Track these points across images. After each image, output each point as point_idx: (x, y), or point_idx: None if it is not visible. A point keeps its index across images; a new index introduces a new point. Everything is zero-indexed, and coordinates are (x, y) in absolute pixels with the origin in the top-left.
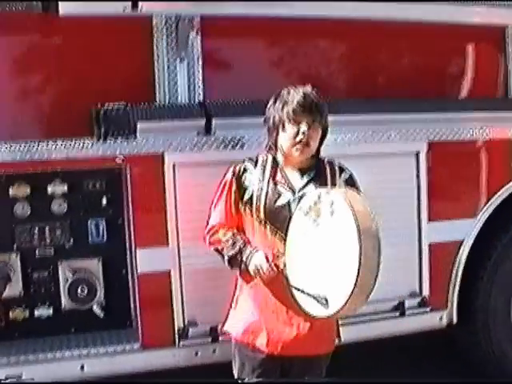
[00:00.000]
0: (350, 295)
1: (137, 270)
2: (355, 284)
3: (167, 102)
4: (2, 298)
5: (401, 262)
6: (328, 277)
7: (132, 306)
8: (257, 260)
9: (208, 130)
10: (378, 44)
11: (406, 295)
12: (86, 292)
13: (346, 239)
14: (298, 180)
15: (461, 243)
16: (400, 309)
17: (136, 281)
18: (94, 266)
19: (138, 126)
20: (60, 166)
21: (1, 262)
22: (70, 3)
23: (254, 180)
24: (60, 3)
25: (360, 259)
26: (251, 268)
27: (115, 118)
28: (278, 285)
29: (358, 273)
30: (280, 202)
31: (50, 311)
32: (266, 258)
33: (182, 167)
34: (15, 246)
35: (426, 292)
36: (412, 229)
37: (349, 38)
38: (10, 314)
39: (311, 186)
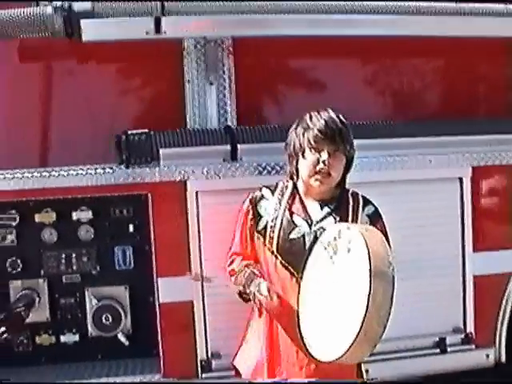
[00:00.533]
0: (354, 341)
1: (158, 300)
2: (359, 330)
3: (197, 127)
4: (26, 322)
5: (443, 294)
6: (337, 318)
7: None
8: (260, 288)
9: (234, 156)
10: (424, 61)
11: (448, 331)
12: (110, 319)
13: (358, 280)
14: (316, 211)
15: (509, 276)
16: (441, 345)
17: (158, 310)
18: (121, 293)
19: (161, 152)
20: (86, 192)
21: (28, 287)
22: (93, 30)
23: (270, 209)
24: (83, 30)
25: (368, 303)
26: (252, 297)
27: (138, 144)
28: (288, 323)
29: (364, 318)
30: (295, 235)
31: (77, 337)
32: (268, 290)
33: (205, 194)
34: (42, 271)
35: (470, 328)
36: (456, 259)
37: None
38: (37, 339)
39: (330, 219)
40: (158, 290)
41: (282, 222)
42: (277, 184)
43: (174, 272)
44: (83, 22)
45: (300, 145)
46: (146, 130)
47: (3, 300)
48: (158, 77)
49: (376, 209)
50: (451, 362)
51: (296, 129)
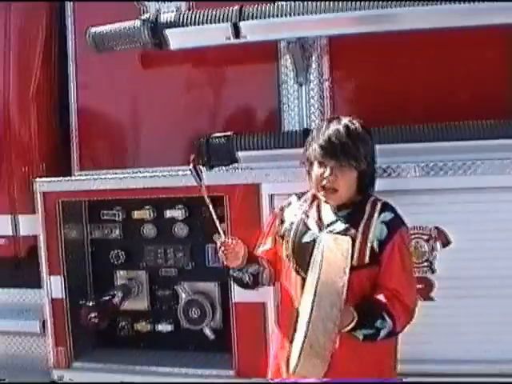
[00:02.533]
0: (300, 353)
1: (233, 299)
2: (303, 341)
3: (292, 129)
4: (128, 310)
5: None
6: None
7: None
8: None
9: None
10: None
11: None
12: (198, 313)
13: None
14: (330, 216)
15: None
16: None
17: (232, 309)
18: (212, 289)
19: (238, 155)
20: (179, 192)
21: (131, 278)
22: (177, 39)
23: (291, 213)
24: (169, 39)
25: (311, 313)
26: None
27: (217, 147)
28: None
29: (308, 328)
30: (307, 238)
31: (170, 327)
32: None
33: (279, 198)
34: (143, 264)
35: None
36: None
37: None
38: (137, 325)
39: (339, 224)
40: (232, 290)
41: (297, 226)
42: (307, 191)
43: None
44: (168, 32)
45: (307, 156)
46: (229, 133)
47: (108, 288)
48: (252, 80)
49: (396, 216)
50: None
51: (312, 134)
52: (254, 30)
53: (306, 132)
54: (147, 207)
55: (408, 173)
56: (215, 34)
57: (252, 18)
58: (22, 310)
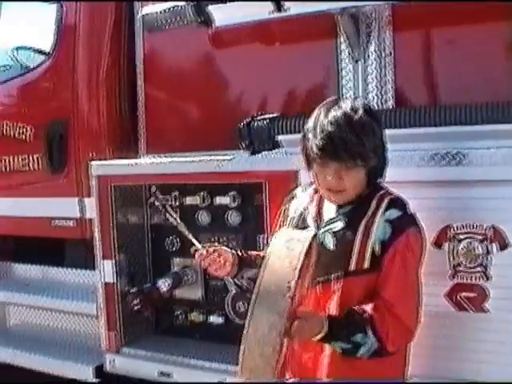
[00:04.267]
0: (240, 372)
1: None
2: (240, 365)
3: None
4: (171, 297)
5: None
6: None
7: None
8: None
9: None
10: None
11: None
12: (243, 308)
13: None
14: (331, 212)
15: None
16: None
17: None
18: None
19: (278, 139)
20: (231, 178)
21: (186, 266)
22: (220, 15)
23: (293, 208)
24: (215, 16)
25: (246, 336)
26: None
27: (257, 130)
28: None
29: (243, 352)
30: None
31: (221, 320)
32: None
33: None
34: None
35: None
36: None
37: None
38: (191, 315)
39: (338, 223)
40: None
41: (296, 222)
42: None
43: None
44: (211, 9)
45: (305, 155)
46: (274, 115)
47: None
48: (310, 57)
49: (404, 215)
50: None
51: (306, 127)
52: (296, 2)
53: None
54: (200, 193)
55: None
56: (257, 9)
57: None
58: (84, 291)
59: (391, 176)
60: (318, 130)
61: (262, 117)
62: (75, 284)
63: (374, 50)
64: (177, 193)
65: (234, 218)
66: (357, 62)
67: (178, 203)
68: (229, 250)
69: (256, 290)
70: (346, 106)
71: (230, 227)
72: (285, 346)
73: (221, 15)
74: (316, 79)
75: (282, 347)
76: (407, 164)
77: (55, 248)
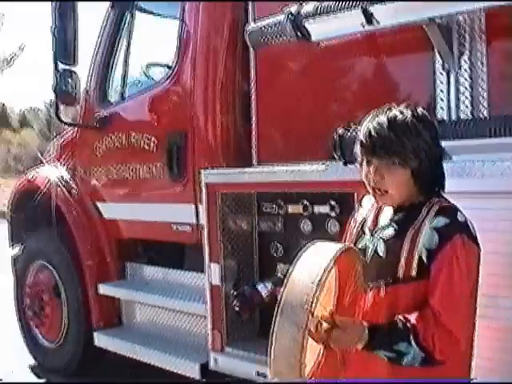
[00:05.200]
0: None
1: None
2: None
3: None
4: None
5: None
6: None
7: None
8: None
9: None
10: None
11: None
12: None
13: None
14: (385, 219)
15: None
16: None
17: None
18: None
19: None
20: (329, 187)
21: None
22: (316, 30)
23: (359, 216)
24: (311, 31)
25: (271, 344)
26: None
27: (348, 141)
28: None
29: (270, 360)
30: (360, 244)
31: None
32: None
33: None
34: None
35: None
36: None
37: None
38: None
39: (389, 230)
40: None
41: (357, 229)
42: None
43: None
44: (307, 24)
45: (356, 154)
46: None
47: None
48: (407, 68)
49: (452, 222)
50: None
51: (359, 129)
52: (385, 14)
53: (453, 124)
54: (302, 202)
55: None
56: (350, 22)
57: (383, 1)
58: (197, 293)
59: (479, 186)
60: (363, 130)
61: (354, 127)
62: (190, 286)
63: (467, 60)
64: (281, 201)
65: (333, 226)
66: (449, 72)
67: (282, 211)
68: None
69: (279, 301)
70: (396, 109)
71: (330, 236)
72: (317, 353)
73: (317, 29)
74: (412, 90)
75: (303, 356)
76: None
77: (175, 251)
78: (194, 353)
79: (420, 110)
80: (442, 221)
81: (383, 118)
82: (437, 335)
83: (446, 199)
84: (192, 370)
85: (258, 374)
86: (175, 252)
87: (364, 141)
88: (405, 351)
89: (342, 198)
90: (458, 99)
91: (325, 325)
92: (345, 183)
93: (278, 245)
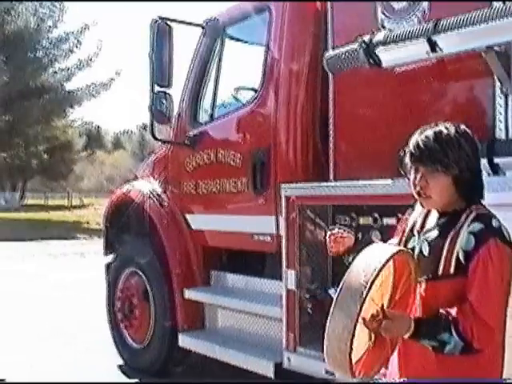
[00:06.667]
0: (328, 363)
1: None
2: (325, 354)
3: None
4: None
5: None
6: None
7: None
8: None
9: (494, 169)
10: None
11: None
12: None
13: None
14: (431, 223)
15: None
16: None
17: None
18: None
19: None
20: (397, 201)
21: None
22: (385, 57)
23: (411, 219)
24: (382, 58)
25: (328, 330)
26: None
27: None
28: None
29: (325, 343)
30: (409, 244)
31: None
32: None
33: None
34: None
35: None
36: None
37: None
38: None
39: (433, 232)
40: None
41: (407, 231)
42: None
43: None
44: (377, 51)
45: (405, 164)
46: None
47: None
48: (467, 90)
49: (486, 228)
50: None
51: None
52: (447, 43)
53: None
54: (372, 214)
55: None
56: (416, 50)
57: (445, 31)
58: (274, 298)
59: None
60: (413, 142)
61: None
62: (269, 292)
63: None
64: (353, 213)
65: None
66: (507, 95)
67: (354, 223)
68: (352, 237)
69: (337, 294)
70: (442, 125)
71: None
72: (367, 343)
73: (387, 57)
74: (474, 112)
75: (352, 343)
76: None
77: (256, 260)
78: (269, 353)
79: (463, 127)
80: (478, 226)
81: (430, 132)
82: (475, 326)
83: (484, 207)
84: (266, 369)
85: (327, 371)
86: (256, 261)
87: (413, 151)
88: (447, 340)
89: (406, 211)
90: None
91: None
92: (409, 196)
93: (351, 253)
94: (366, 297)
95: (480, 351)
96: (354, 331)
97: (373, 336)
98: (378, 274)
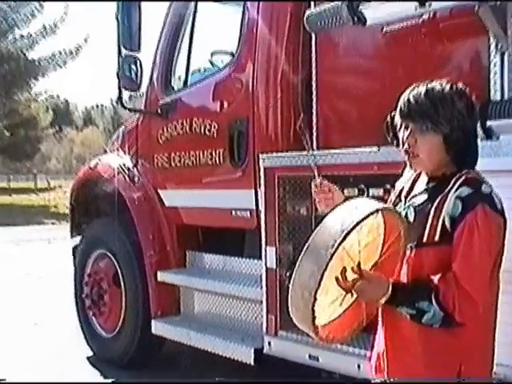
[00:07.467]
0: (291, 315)
1: None
2: (289, 305)
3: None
4: None
5: None
6: None
7: None
8: None
9: (487, 133)
10: None
11: None
12: None
13: None
14: (419, 187)
15: None
16: None
17: None
18: None
19: None
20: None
21: None
22: (370, 14)
23: (397, 185)
24: (367, 15)
25: (294, 277)
26: None
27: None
28: None
29: (289, 291)
30: (398, 209)
31: None
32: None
33: None
34: None
35: None
36: None
37: None
38: None
39: (420, 197)
40: None
41: (395, 197)
42: None
43: None
44: (362, 8)
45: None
46: None
47: None
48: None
49: (475, 192)
50: None
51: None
52: None
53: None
54: (358, 185)
55: None
56: (403, 5)
57: None
58: (253, 279)
59: None
60: (403, 98)
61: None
62: (249, 273)
63: None
64: (338, 185)
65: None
66: (503, 53)
67: None
68: (341, 194)
69: (308, 242)
70: (436, 82)
71: None
72: (339, 309)
73: (372, 14)
74: (467, 72)
75: (316, 293)
76: None
77: (235, 239)
78: (249, 338)
79: (460, 85)
80: (466, 191)
81: (422, 88)
82: (457, 297)
83: (476, 172)
84: (246, 355)
85: (311, 356)
86: (235, 240)
87: (402, 106)
88: (426, 309)
89: (395, 182)
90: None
91: (351, 275)
92: (397, 165)
93: None
94: (338, 245)
95: (462, 325)
96: (320, 280)
97: (346, 301)
98: (357, 224)
